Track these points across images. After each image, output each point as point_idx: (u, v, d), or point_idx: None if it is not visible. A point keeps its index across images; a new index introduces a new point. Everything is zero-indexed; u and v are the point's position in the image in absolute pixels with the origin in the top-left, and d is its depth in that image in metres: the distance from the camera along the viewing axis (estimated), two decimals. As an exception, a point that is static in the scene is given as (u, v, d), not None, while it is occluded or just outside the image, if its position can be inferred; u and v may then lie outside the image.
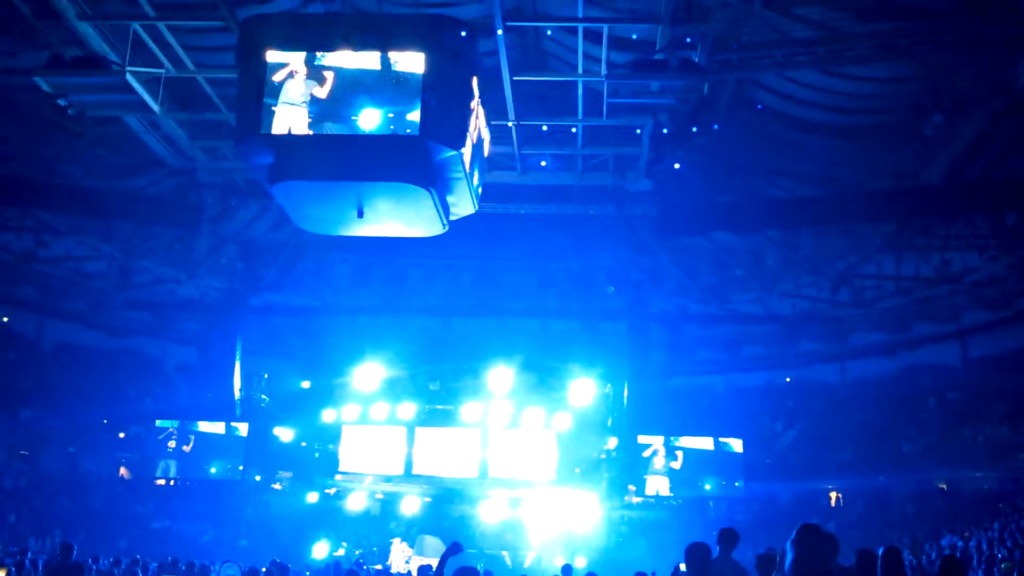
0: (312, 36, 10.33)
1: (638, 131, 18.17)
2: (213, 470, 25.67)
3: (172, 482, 26.16)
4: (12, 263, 26.16)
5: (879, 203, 21.79)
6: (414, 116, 9.89)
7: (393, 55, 9.99)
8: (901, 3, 15.08)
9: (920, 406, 27.07)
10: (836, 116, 19.47)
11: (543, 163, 19.93)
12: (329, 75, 10.07)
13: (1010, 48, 14.98)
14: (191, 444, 25.77)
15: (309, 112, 10.03)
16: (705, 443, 24.98)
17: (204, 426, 25.90)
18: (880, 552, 6.61)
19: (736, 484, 24.74)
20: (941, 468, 25.40)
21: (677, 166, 16.36)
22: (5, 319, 28.85)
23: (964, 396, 26.72)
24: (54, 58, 15.36)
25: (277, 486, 26.30)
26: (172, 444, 25.75)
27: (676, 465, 24.72)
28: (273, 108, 10.01)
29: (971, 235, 23.36)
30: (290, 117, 10.05)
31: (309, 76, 10.05)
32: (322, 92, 10.05)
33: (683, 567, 6.50)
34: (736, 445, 24.95)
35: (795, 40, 15.72)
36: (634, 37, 16.31)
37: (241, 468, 25.56)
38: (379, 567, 20.29)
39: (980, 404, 26.11)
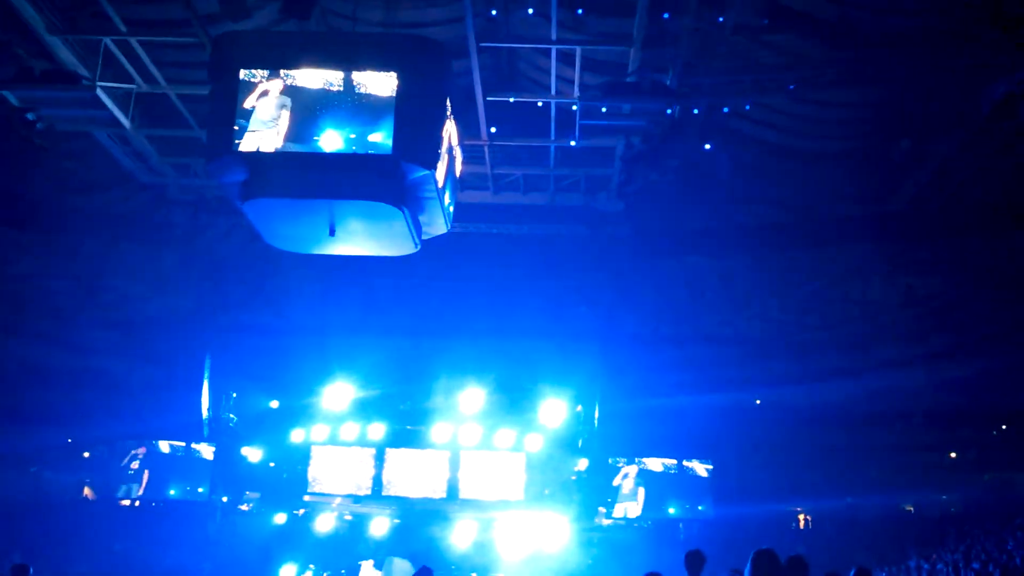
0: (286, 54, 10.31)
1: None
2: (172, 492, 25.27)
3: (136, 503, 25.70)
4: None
5: (846, 228, 22.08)
6: (376, 137, 9.93)
7: (360, 75, 10.00)
8: (869, 30, 15.29)
9: (887, 428, 27.26)
10: (805, 141, 19.68)
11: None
12: (294, 95, 10.06)
13: (977, 76, 15.24)
14: (151, 465, 25.34)
15: (276, 132, 10.02)
16: (670, 465, 25.00)
17: (163, 446, 25.48)
18: (852, 574, 6.63)
19: (699, 508, 24.72)
20: (908, 490, 25.61)
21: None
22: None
23: (930, 419, 26.97)
24: (22, 71, 15.21)
25: (244, 507, 25.86)
26: (135, 465, 25.32)
27: (641, 492, 24.68)
28: (244, 128, 9.98)
29: (936, 260, 23.69)
30: (260, 137, 10.02)
31: (281, 94, 10.04)
32: (287, 112, 10.02)
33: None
34: (700, 468, 24.97)
35: (764, 66, 15.89)
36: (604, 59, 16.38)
37: (201, 490, 25.12)
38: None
39: (946, 426, 26.37)
